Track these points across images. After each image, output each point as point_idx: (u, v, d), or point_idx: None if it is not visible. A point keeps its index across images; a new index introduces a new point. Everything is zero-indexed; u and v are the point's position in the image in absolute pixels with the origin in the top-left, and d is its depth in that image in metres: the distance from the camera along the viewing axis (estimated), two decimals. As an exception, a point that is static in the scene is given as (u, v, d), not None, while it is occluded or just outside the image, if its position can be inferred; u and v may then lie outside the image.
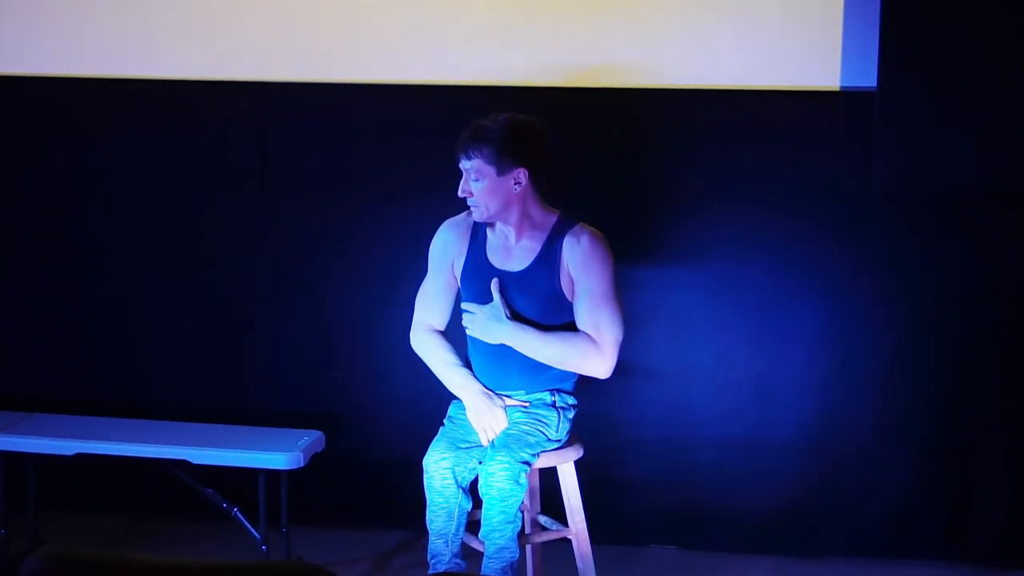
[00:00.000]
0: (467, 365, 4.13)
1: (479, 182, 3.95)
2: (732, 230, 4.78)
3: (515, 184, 3.96)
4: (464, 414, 4.07)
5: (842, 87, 4.64)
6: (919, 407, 4.78)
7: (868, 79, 4.54)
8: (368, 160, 4.96)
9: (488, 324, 4.01)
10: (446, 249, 4.14)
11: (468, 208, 4.07)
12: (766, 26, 4.66)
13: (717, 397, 4.86)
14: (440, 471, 3.93)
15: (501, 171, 3.94)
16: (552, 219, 4.04)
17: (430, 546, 3.96)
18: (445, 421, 4.12)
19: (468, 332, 4.07)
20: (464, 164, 3.97)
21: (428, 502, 3.96)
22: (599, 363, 4.00)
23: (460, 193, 3.99)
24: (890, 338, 4.76)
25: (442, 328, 4.18)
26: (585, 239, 3.98)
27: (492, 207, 3.97)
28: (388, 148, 4.93)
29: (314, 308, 5.05)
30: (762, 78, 4.69)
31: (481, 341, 4.06)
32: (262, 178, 5.03)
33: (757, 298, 4.79)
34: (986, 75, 4.42)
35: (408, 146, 4.91)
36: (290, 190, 5.01)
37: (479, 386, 4.05)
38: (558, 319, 4.01)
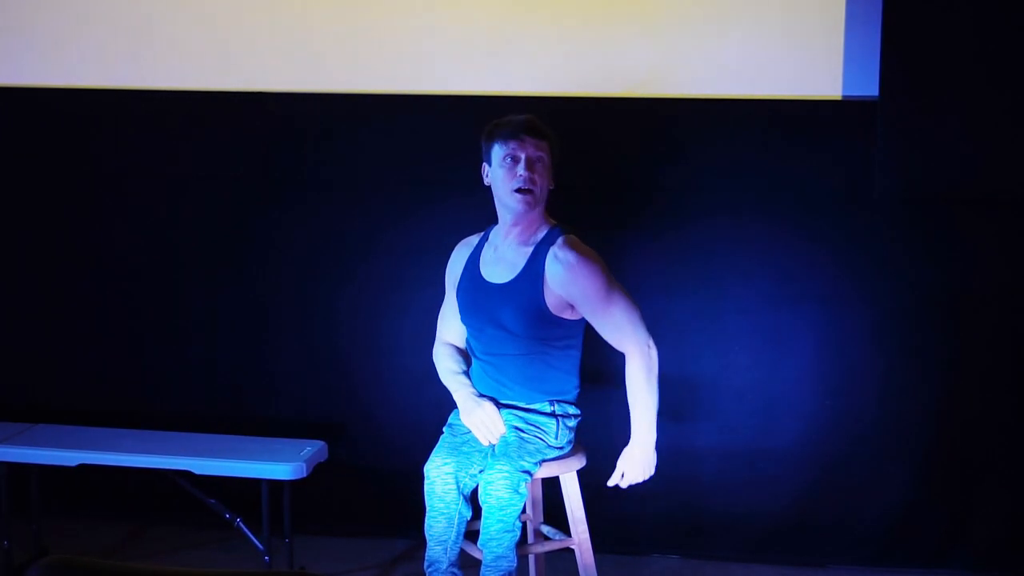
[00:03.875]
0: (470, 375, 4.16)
1: (541, 165, 3.93)
2: (734, 237, 4.78)
3: (550, 182, 3.99)
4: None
5: (844, 96, 4.65)
6: (921, 414, 4.78)
7: (870, 88, 4.55)
8: (373, 170, 4.97)
9: (644, 464, 4.01)
10: (451, 268, 4.19)
11: (483, 230, 4.13)
12: (769, 36, 4.67)
13: (719, 405, 4.86)
14: (442, 476, 3.93)
15: (554, 161, 3.98)
16: (543, 232, 4.01)
17: (428, 553, 3.96)
18: (445, 429, 4.13)
19: (630, 482, 4.06)
20: (528, 145, 3.91)
21: (428, 508, 3.96)
22: (650, 354, 3.96)
23: (526, 178, 3.90)
24: (892, 345, 4.76)
25: (460, 344, 4.21)
26: (569, 263, 3.92)
27: (543, 196, 3.96)
28: (393, 159, 4.94)
29: (317, 318, 5.06)
30: (765, 87, 4.69)
31: (481, 352, 4.07)
32: (267, 190, 5.04)
33: (759, 305, 4.80)
34: (987, 84, 4.43)
35: (414, 157, 4.92)
36: (295, 201, 5.02)
37: (471, 389, 4.07)
38: (543, 331, 3.99)
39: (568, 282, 3.92)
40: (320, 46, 4.93)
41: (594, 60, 4.78)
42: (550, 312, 3.96)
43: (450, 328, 4.20)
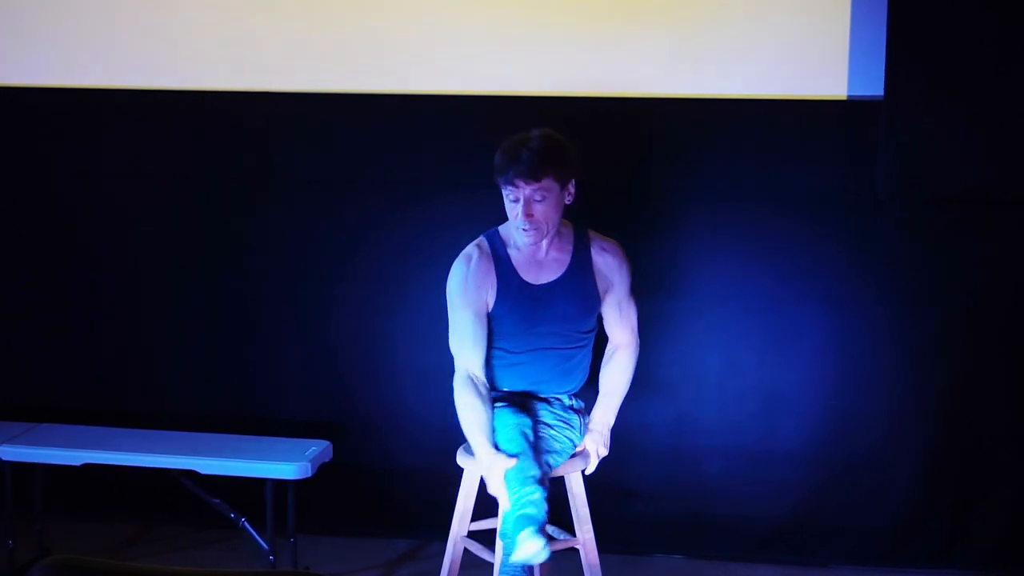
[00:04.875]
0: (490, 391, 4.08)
1: (543, 202, 3.93)
2: (739, 238, 4.78)
3: (568, 196, 4.01)
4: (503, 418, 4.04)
5: (849, 96, 4.64)
6: (925, 414, 4.77)
7: (875, 88, 4.54)
8: (375, 170, 4.96)
9: (607, 442, 4.14)
10: (477, 284, 4.00)
11: (478, 239, 4.09)
12: (774, 35, 4.66)
13: (723, 405, 4.85)
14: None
15: (563, 185, 3.98)
16: (570, 229, 4.11)
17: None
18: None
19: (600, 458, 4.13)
20: (526, 188, 3.90)
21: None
22: (637, 353, 4.24)
23: (524, 219, 3.92)
24: (896, 345, 4.76)
25: (482, 372, 4.02)
26: (614, 251, 4.12)
27: (551, 225, 3.99)
28: (396, 158, 4.93)
29: (320, 319, 5.05)
30: (770, 87, 4.69)
31: (518, 348, 4.07)
32: (268, 189, 5.03)
33: (763, 306, 4.79)
34: (993, 84, 4.42)
35: (416, 156, 4.91)
36: (296, 200, 5.02)
37: (501, 462, 3.84)
38: (590, 322, 4.12)
39: (615, 268, 4.12)
40: (320, 45, 4.91)
41: (597, 60, 4.77)
42: (599, 300, 4.10)
43: (473, 353, 4.01)
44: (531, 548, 3.66)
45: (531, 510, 3.70)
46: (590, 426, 4.14)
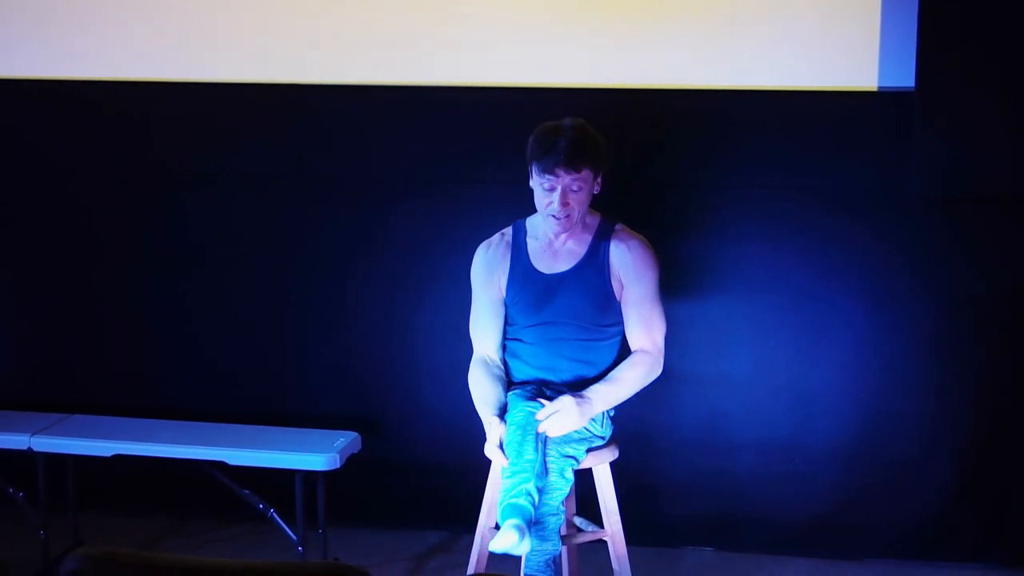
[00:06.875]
0: (507, 385, 4.09)
1: (579, 192, 3.96)
2: (770, 233, 4.75)
3: (596, 186, 4.03)
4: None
5: (880, 87, 4.60)
6: (959, 411, 4.74)
7: (906, 79, 4.51)
8: (404, 164, 4.96)
9: (570, 413, 3.85)
10: (490, 269, 4.14)
11: (504, 229, 4.14)
12: (804, 27, 4.63)
13: (754, 401, 4.83)
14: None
15: (596, 175, 4.00)
16: (595, 221, 4.10)
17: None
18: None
19: (552, 434, 3.84)
20: (565, 178, 3.92)
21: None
22: (658, 369, 4.08)
23: (560, 209, 3.94)
24: (929, 341, 4.73)
25: (496, 354, 4.14)
26: (635, 247, 4.05)
27: (582, 213, 4.01)
28: (425, 152, 4.93)
29: (349, 311, 5.06)
30: (800, 79, 4.66)
31: (532, 339, 4.07)
32: (298, 182, 5.04)
33: (795, 302, 4.77)
34: (1025, 74, 4.39)
35: (445, 150, 4.91)
36: (325, 194, 5.02)
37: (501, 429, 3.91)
38: (608, 316, 4.05)
39: (630, 264, 4.03)
40: (342, 37, 4.90)
41: (624, 51, 4.74)
42: (614, 297, 4.04)
43: (485, 336, 4.15)
44: (506, 541, 3.63)
45: (521, 500, 3.69)
46: (583, 392, 3.94)
